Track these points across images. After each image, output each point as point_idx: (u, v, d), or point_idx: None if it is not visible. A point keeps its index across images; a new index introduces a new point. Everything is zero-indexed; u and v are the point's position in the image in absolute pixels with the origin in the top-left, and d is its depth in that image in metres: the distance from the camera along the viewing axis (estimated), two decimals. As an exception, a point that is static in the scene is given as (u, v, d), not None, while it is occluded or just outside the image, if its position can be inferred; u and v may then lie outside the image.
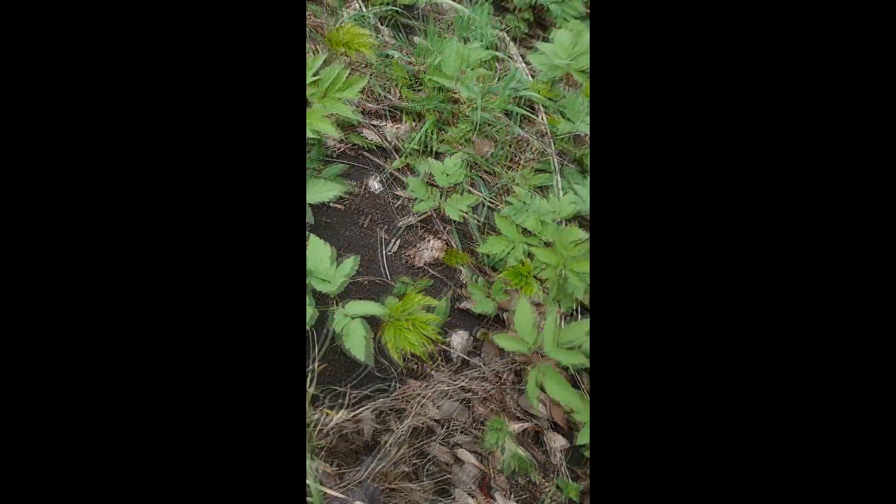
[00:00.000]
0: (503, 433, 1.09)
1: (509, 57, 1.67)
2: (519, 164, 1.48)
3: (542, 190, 1.46)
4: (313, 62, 1.04)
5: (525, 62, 1.71)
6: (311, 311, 0.91)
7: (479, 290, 1.20)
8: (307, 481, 0.80)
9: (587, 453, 1.04)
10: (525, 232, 1.24)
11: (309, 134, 0.97)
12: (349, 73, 1.09)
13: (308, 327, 1.01)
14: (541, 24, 2.05)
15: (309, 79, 1.02)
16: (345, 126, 1.33)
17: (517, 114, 1.48)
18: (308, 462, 0.83)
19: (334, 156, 1.31)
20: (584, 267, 1.18)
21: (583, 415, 1.01)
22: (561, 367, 1.28)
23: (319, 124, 1.00)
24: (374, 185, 1.31)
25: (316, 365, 1.01)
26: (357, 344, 0.91)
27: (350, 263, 0.94)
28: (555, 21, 1.94)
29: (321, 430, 0.97)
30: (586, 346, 1.12)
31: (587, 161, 1.54)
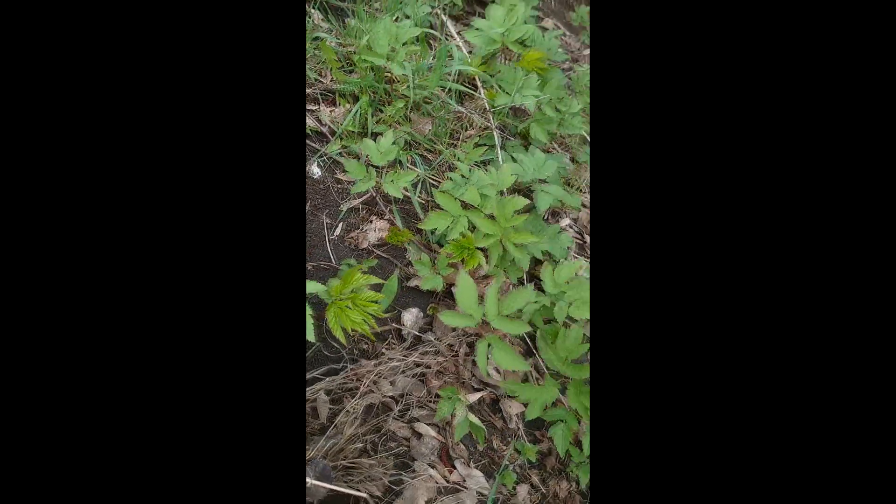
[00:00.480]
0: (455, 401, 1.12)
1: (446, 35, 1.66)
2: (462, 140, 1.49)
3: (486, 165, 1.48)
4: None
5: (464, 40, 1.71)
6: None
7: (424, 266, 1.21)
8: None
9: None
10: (467, 206, 1.25)
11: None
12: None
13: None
14: (479, 0, 2.05)
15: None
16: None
17: (455, 90, 1.48)
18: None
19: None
20: (525, 237, 1.21)
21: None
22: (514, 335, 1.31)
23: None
24: (314, 170, 1.31)
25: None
26: (299, 327, 0.91)
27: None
28: (491, -4, 1.95)
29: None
30: (529, 312, 1.15)
31: (530, 133, 1.56)
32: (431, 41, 1.69)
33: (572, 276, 1.17)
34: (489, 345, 1.04)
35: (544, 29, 2.34)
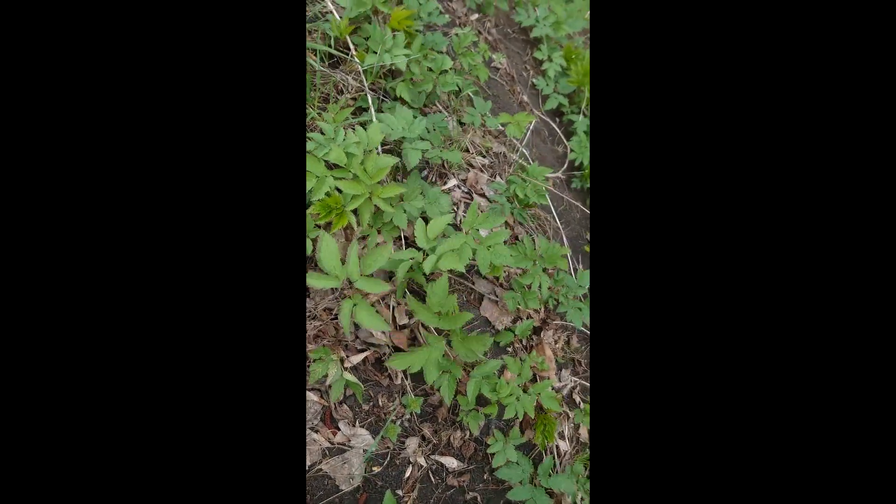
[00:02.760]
0: (329, 361, 1.11)
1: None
2: (334, 103, 1.45)
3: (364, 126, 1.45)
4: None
5: (333, 2, 1.66)
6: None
7: (290, 230, 1.18)
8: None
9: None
10: (334, 167, 1.23)
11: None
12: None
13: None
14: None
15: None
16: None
17: (321, 52, 1.44)
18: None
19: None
20: (392, 190, 1.20)
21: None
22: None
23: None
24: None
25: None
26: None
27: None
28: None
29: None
30: (402, 271, 1.15)
31: (401, 93, 1.55)
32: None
33: (442, 230, 1.18)
34: (352, 305, 1.04)
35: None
